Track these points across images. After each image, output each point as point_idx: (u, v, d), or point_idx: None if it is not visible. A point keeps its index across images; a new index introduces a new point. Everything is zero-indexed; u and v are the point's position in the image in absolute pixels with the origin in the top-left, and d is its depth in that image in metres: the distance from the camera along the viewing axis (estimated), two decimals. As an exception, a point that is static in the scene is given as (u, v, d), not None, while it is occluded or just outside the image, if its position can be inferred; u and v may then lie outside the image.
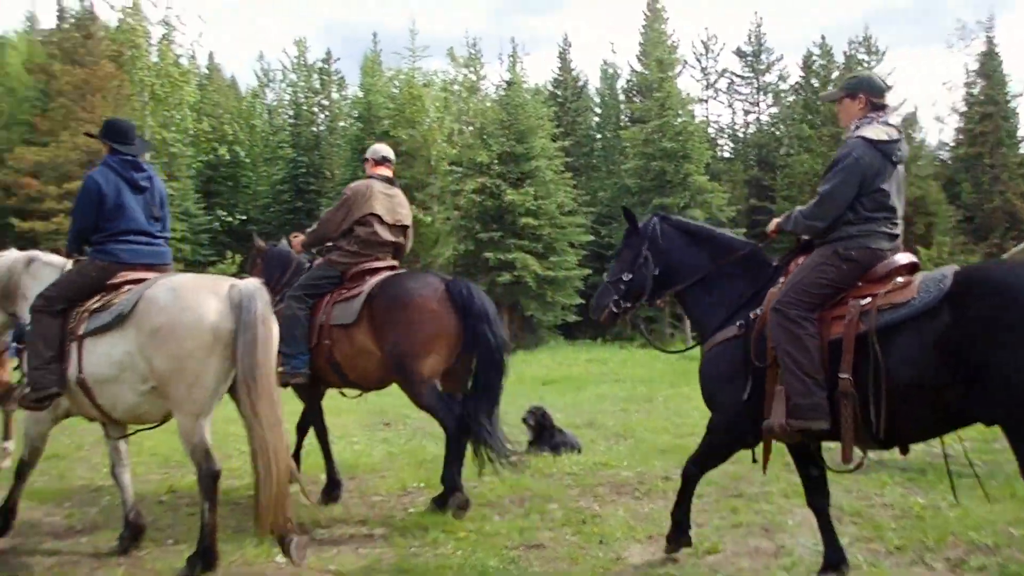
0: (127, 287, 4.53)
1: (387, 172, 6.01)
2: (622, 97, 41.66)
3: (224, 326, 4.20)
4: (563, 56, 40.64)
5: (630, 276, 4.58)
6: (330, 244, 5.92)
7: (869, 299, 3.69)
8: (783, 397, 3.77)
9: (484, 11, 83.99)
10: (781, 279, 4.07)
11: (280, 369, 5.19)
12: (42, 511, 5.61)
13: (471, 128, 31.62)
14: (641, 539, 4.85)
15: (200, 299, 4.24)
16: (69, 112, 29.38)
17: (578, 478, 6.52)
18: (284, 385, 5.55)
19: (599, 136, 41.01)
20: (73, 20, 34.50)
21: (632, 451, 7.59)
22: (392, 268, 5.80)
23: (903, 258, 3.91)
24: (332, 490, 5.91)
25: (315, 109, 40.75)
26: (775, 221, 4.32)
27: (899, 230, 3.98)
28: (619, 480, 6.42)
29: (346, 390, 6.12)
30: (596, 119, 42.16)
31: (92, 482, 6.44)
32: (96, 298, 4.56)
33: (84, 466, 7.05)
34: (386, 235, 5.77)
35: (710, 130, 38.54)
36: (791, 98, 36.98)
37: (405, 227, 5.99)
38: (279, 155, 39.08)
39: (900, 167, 3.99)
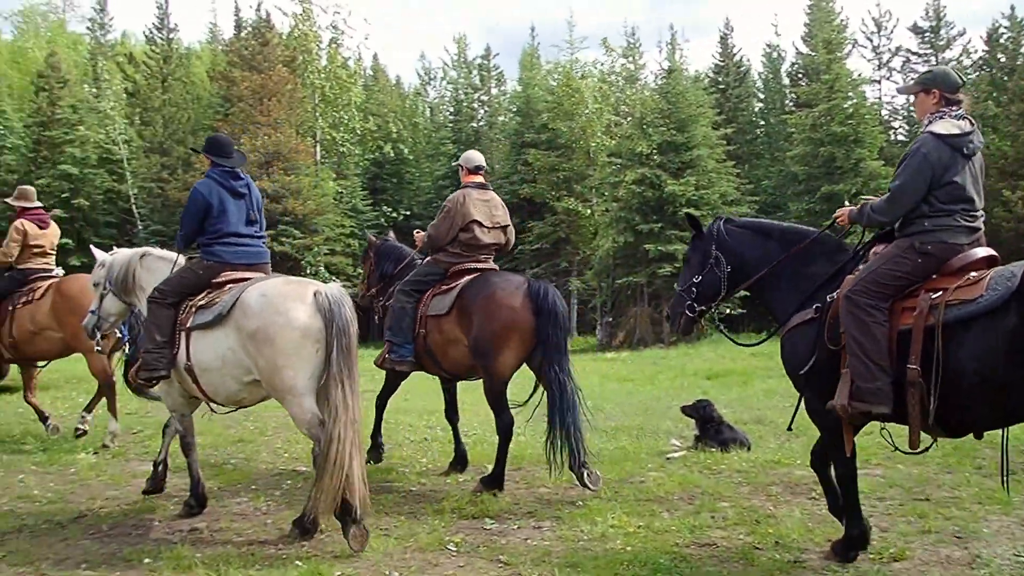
0: (229, 286, 5.09)
1: (480, 179, 6.49)
2: (787, 81, 40.06)
3: (313, 326, 4.68)
4: (724, 41, 39.52)
5: (700, 279, 4.77)
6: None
7: (940, 293, 3.77)
8: (848, 380, 3.92)
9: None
10: (861, 266, 4.19)
11: (387, 356, 6.19)
12: (230, 493, 5.93)
13: (630, 118, 31.26)
14: (820, 542, 4.61)
15: (288, 305, 4.73)
16: (248, 116, 31.14)
17: (749, 476, 6.29)
18: (389, 370, 6.48)
19: (762, 122, 39.61)
20: (250, 29, 36.56)
21: (805, 449, 7.20)
22: (488, 269, 6.28)
23: (980, 252, 3.97)
24: (376, 452, 6.76)
25: (475, 105, 41.52)
26: (845, 211, 4.38)
27: (979, 223, 4.05)
28: (793, 479, 6.15)
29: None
30: (759, 105, 40.73)
31: (275, 466, 6.77)
32: (203, 294, 5.14)
33: (267, 450, 7.42)
34: (486, 238, 6.30)
35: (883, 112, 36.42)
36: (974, 75, 34.36)
37: (504, 226, 6.49)
38: (441, 151, 40.06)
39: (976, 159, 4.04)
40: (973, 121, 4.07)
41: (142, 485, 6.05)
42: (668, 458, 6.95)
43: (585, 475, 5.69)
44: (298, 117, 32.74)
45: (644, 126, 27.51)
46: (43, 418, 8.43)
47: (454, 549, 4.60)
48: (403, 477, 6.30)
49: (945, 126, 3.98)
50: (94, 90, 37.72)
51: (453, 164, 7.27)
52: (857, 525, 4.30)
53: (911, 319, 3.82)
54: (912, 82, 4.32)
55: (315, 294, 4.77)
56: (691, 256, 4.93)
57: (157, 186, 33.96)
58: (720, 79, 38.10)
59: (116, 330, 7.02)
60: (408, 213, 36.19)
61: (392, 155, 36.88)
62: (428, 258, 6.49)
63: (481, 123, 41.24)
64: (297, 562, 4.39)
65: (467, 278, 6.05)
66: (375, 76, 47.29)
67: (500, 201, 6.56)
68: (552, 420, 5.73)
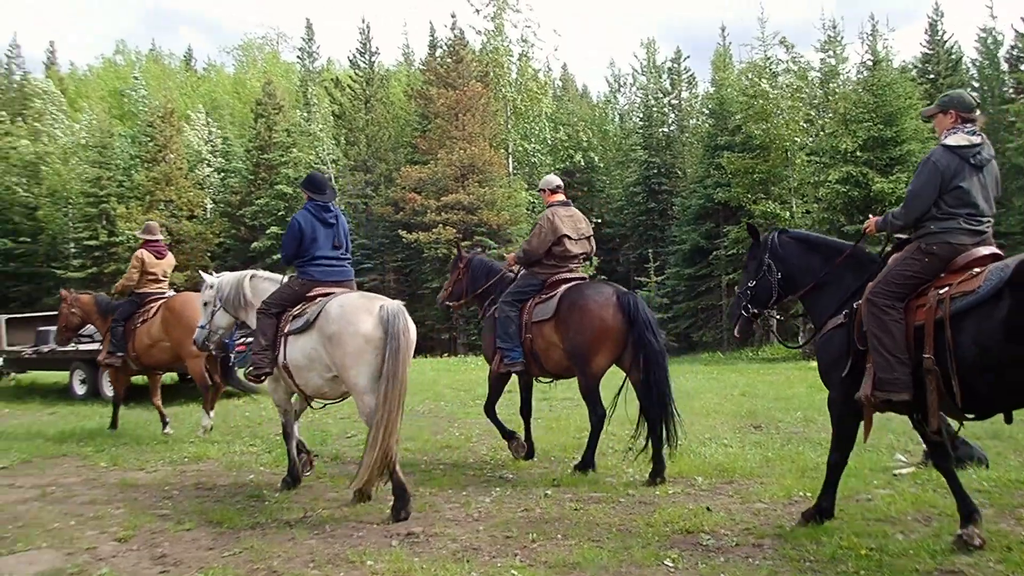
0: (318, 299, 6.07)
1: (561, 196, 7.23)
2: (1005, 67, 36.70)
3: (375, 335, 5.58)
4: (933, 27, 36.76)
5: (754, 283, 5.27)
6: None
7: (946, 288, 4.21)
8: (871, 372, 4.39)
9: (839, -10, 78.79)
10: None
11: (501, 362, 6.89)
12: (442, 498, 6.03)
13: (831, 115, 29.70)
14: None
15: (358, 316, 5.67)
16: (444, 131, 32.23)
17: (991, 496, 5.67)
18: (504, 373, 7.05)
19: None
20: (445, 48, 37.85)
21: (1054, 468, 6.48)
22: (581, 279, 7.00)
23: (984, 249, 4.38)
24: (530, 453, 7.32)
25: (665, 109, 40.88)
26: (873, 220, 4.81)
27: (984, 226, 4.44)
28: (1047, 502, 5.49)
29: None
30: (974, 94, 37.53)
31: (482, 473, 6.82)
32: (299, 306, 6.19)
33: (473, 457, 7.52)
34: (575, 249, 6.99)
35: None
36: None
37: (589, 237, 7.19)
38: (631, 158, 39.81)
39: (986, 169, 4.46)
40: (982, 136, 4.49)
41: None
42: (896, 474, 6.41)
43: (657, 469, 6.31)
44: (491, 130, 33.55)
45: (848, 122, 26.02)
46: (164, 421, 9.74)
47: (671, 565, 4.42)
48: (610, 487, 6.16)
49: (956, 139, 4.44)
50: (305, 114, 40.34)
51: (536, 189, 8.38)
52: (828, 499, 5.01)
53: (923, 314, 4.27)
54: (933, 105, 4.79)
55: (380, 308, 5.68)
56: (748, 262, 5.42)
57: (361, 202, 35.80)
58: (929, 68, 35.49)
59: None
60: (599, 221, 36.18)
61: (582, 163, 37.05)
62: (523, 271, 7.16)
63: (672, 127, 40.57)
64: (512, 572, 4.36)
65: (564, 287, 6.74)
66: (564, 86, 47.76)
67: (582, 215, 7.28)
68: (649, 413, 6.42)
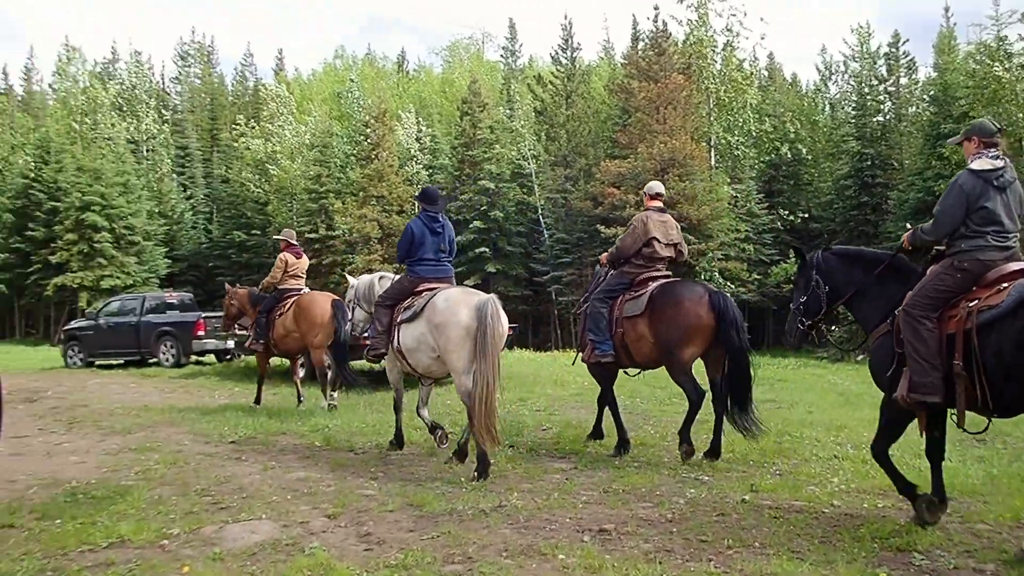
0: (424, 293, 7.17)
1: (659, 203, 7.80)
2: None
3: (472, 325, 6.58)
4: None
5: (805, 298, 5.71)
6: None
7: (975, 302, 4.62)
8: (907, 376, 4.79)
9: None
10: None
11: (592, 352, 7.57)
12: (635, 497, 5.97)
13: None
14: None
15: (459, 307, 6.72)
16: (645, 125, 31.92)
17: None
18: (595, 365, 7.68)
19: None
20: (647, 40, 37.45)
21: None
22: (666, 277, 7.58)
23: (1013, 266, 4.75)
24: (598, 435, 8.14)
25: (881, 97, 38.37)
26: (908, 234, 5.17)
27: (1011, 241, 4.81)
28: None
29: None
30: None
31: (677, 473, 6.69)
32: (408, 299, 7.33)
33: (668, 456, 7.39)
34: (663, 252, 7.54)
35: None
36: None
37: (676, 243, 7.70)
38: (842, 149, 37.74)
39: (1009, 189, 4.82)
40: (1005, 160, 4.85)
41: (554, 480, 6.48)
42: None
43: (714, 450, 7.13)
44: (693, 123, 32.86)
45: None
46: (299, 399, 11.67)
47: (877, 586, 4.15)
48: (812, 496, 5.87)
49: (980, 164, 4.81)
50: (508, 111, 41.29)
51: (640, 194, 8.99)
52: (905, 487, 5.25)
53: (955, 325, 4.65)
54: (959, 135, 5.17)
55: (476, 301, 6.70)
56: (798, 280, 5.92)
57: (561, 197, 36.18)
58: None
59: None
60: (806, 215, 34.60)
61: (789, 156, 35.52)
62: (613, 271, 7.78)
63: (888, 116, 38.03)
64: (706, 577, 4.25)
65: (654, 285, 7.31)
66: (771, 76, 46.00)
67: (675, 223, 7.83)
68: (735, 402, 7.03)
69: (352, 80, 56.37)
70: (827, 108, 45.16)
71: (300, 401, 11.57)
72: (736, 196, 33.44)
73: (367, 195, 37.12)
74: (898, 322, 4.91)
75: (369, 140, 38.52)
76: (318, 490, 6.31)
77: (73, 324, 22.19)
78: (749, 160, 35.35)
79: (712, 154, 34.41)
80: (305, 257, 12.27)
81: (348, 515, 5.60)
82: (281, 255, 11.70)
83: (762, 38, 55.16)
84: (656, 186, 7.99)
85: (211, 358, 20.02)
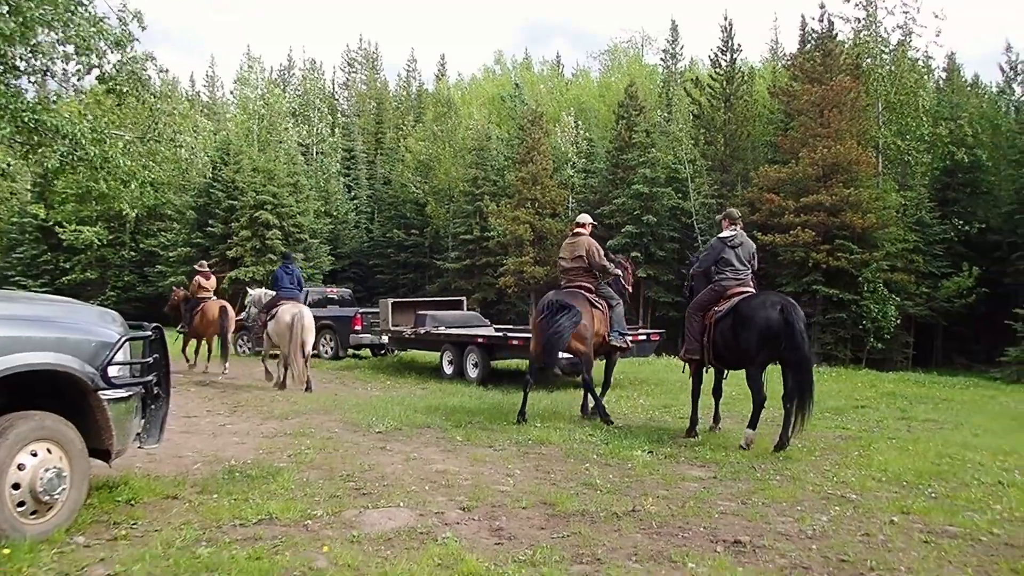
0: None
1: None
2: None
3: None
4: None
5: None
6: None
7: None
8: None
9: None
10: None
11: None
12: (775, 510, 5.76)
13: None
14: None
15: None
16: (808, 129, 30.74)
17: None
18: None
19: None
20: (813, 42, 36.04)
21: None
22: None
23: None
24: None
25: (1075, 99, 35.31)
26: None
27: None
28: None
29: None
30: None
31: (822, 489, 6.39)
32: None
33: (814, 471, 7.05)
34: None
35: None
36: None
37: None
38: (1029, 154, 34.90)
39: None
40: None
41: (691, 488, 6.36)
42: None
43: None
44: (860, 127, 31.33)
45: None
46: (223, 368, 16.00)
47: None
48: (970, 523, 5.46)
49: None
50: (665, 115, 40.77)
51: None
52: None
53: None
54: None
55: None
56: None
57: (716, 202, 35.38)
58: None
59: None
60: (983, 226, 32.24)
61: (966, 162, 33.21)
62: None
63: (1082, 119, 34.92)
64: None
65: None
66: (949, 76, 43.29)
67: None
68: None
69: (516, 84, 57.21)
70: (1012, 111, 41.98)
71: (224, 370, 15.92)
72: (905, 204, 31.60)
73: (522, 197, 37.57)
74: None
75: (525, 143, 38.98)
76: (455, 483, 6.46)
77: (242, 315, 23.62)
78: (921, 166, 33.31)
79: (880, 159, 32.65)
80: (213, 278, 17.61)
81: (482, 509, 5.69)
82: (196, 278, 17.07)
83: (937, 35, 51.75)
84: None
85: (367, 352, 20.81)
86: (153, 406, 5.84)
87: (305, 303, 14.88)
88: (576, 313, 9.47)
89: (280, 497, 5.88)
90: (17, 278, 42.68)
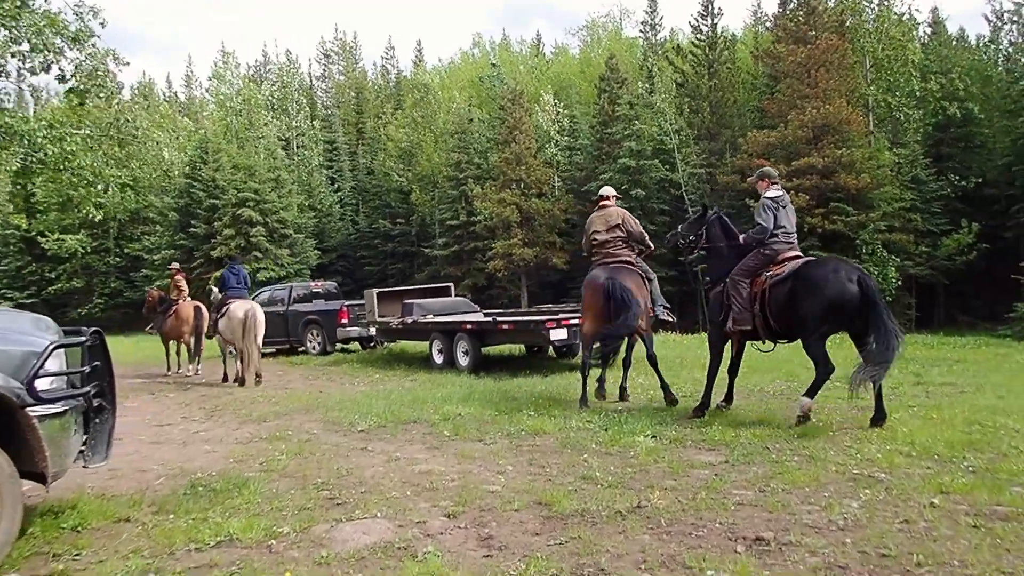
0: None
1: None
2: None
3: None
4: None
5: None
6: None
7: None
8: None
9: None
10: None
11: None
12: (798, 497, 5.13)
13: None
14: None
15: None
16: (795, 91, 30.14)
17: None
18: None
19: None
20: (795, 1, 35.26)
21: None
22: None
23: None
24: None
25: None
26: None
27: None
28: None
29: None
30: None
31: (847, 469, 5.73)
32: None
33: (835, 449, 6.40)
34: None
35: None
36: None
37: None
38: (1021, 105, 34.24)
39: None
40: None
41: (701, 476, 5.75)
42: None
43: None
44: (848, 85, 30.65)
45: None
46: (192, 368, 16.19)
47: None
48: (1020, 500, 4.82)
49: None
50: (647, 86, 40.01)
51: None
52: None
53: None
54: None
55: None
56: None
57: (705, 172, 34.73)
58: None
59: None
60: (980, 180, 31.63)
61: (959, 116, 32.56)
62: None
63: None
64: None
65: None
66: (935, 31, 42.61)
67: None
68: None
69: (494, 64, 56.32)
70: (1001, 61, 41.27)
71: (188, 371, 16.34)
72: (899, 162, 30.97)
73: (506, 179, 36.92)
74: None
75: (506, 123, 38.25)
76: (440, 485, 5.82)
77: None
78: (913, 123, 32.63)
79: (870, 118, 31.99)
80: (184, 283, 17.20)
81: (469, 514, 5.07)
82: (176, 277, 16.95)
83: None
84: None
85: (355, 345, 20.18)
86: (97, 420, 5.25)
87: (254, 300, 15.63)
88: (636, 301, 8.84)
89: (244, 513, 5.27)
90: (2, 291, 41.93)
